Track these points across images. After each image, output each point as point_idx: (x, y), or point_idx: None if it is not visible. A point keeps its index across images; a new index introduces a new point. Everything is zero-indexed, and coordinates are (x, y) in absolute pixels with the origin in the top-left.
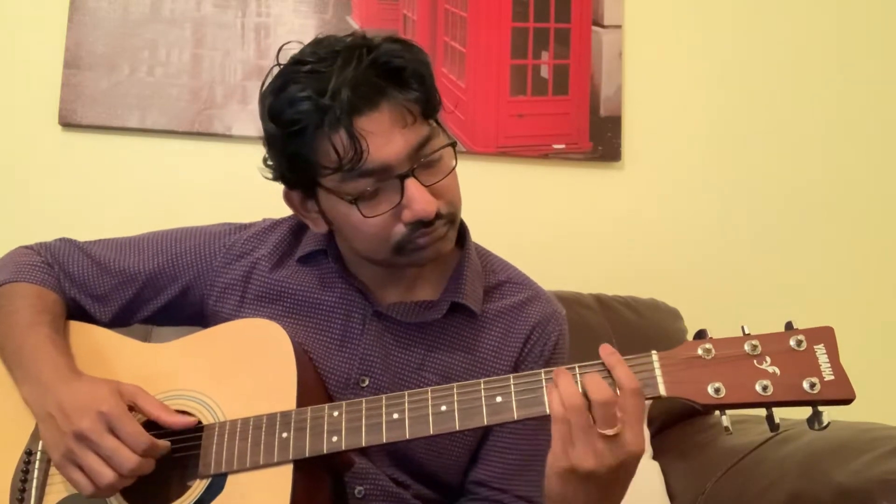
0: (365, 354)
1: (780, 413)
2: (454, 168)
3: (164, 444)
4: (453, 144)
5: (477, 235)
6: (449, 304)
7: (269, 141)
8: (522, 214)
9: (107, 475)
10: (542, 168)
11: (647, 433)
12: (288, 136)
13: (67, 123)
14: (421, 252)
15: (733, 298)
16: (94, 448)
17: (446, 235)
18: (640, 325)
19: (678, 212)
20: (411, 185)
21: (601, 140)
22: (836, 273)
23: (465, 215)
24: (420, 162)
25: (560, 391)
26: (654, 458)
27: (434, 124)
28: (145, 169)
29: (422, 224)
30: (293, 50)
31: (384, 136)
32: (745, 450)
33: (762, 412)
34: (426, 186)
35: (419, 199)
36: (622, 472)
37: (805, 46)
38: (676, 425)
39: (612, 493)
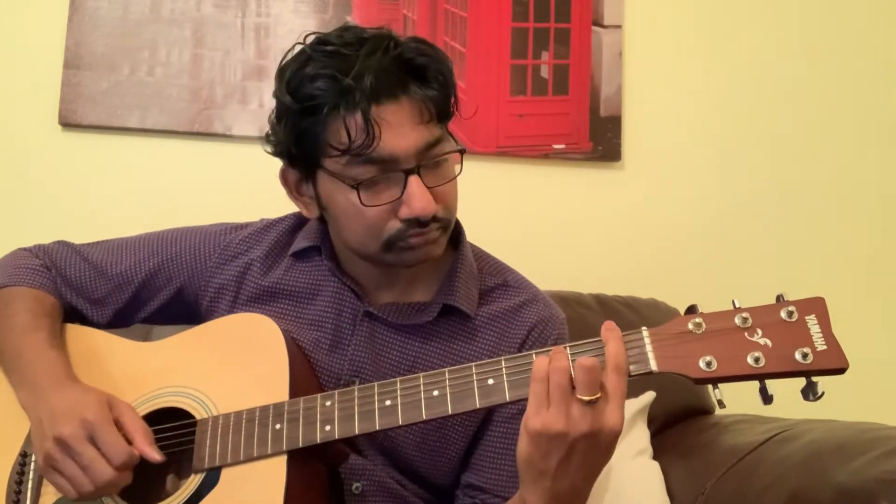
0: (355, 356)
1: (780, 412)
2: (457, 176)
3: (152, 455)
4: (462, 151)
5: (477, 235)
6: (441, 306)
7: (281, 114)
8: (522, 214)
9: (86, 484)
10: (542, 168)
11: (646, 433)
12: (302, 111)
13: (67, 123)
14: (410, 252)
15: (734, 298)
16: (73, 455)
17: (438, 240)
18: (640, 326)
19: (678, 212)
20: (414, 182)
21: (601, 140)
22: (839, 272)
23: (465, 215)
24: (426, 161)
25: (549, 357)
26: (654, 458)
27: (445, 128)
28: (145, 169)
29: (417, 223)
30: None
31: (398, 128)
32: (745, 450)
33: (762, 410)
34: (428, 188)
35: (419, 197)
36: (594, 444)
37: (803, 46)
38: (676, 425)
39: (580, 464)
